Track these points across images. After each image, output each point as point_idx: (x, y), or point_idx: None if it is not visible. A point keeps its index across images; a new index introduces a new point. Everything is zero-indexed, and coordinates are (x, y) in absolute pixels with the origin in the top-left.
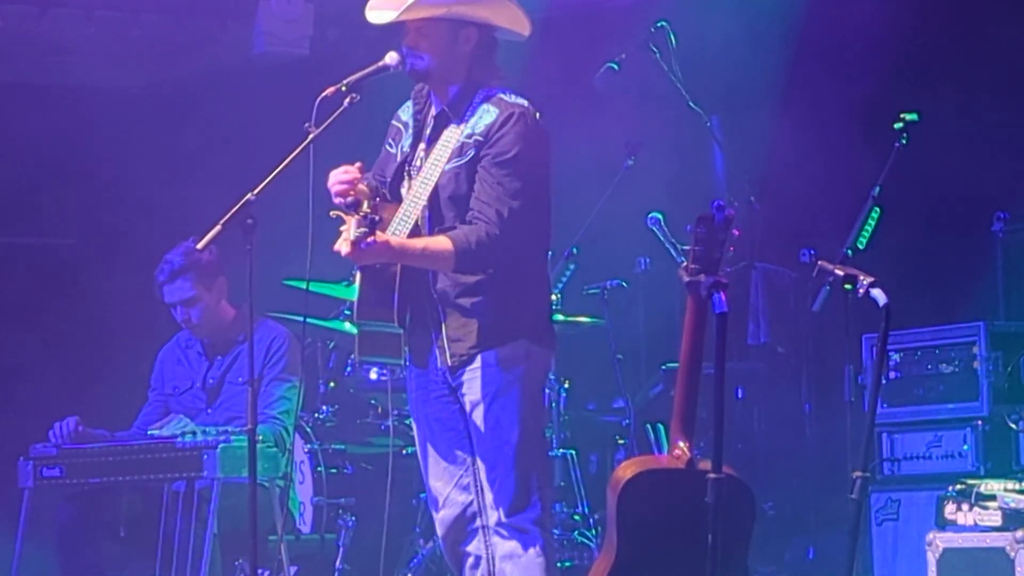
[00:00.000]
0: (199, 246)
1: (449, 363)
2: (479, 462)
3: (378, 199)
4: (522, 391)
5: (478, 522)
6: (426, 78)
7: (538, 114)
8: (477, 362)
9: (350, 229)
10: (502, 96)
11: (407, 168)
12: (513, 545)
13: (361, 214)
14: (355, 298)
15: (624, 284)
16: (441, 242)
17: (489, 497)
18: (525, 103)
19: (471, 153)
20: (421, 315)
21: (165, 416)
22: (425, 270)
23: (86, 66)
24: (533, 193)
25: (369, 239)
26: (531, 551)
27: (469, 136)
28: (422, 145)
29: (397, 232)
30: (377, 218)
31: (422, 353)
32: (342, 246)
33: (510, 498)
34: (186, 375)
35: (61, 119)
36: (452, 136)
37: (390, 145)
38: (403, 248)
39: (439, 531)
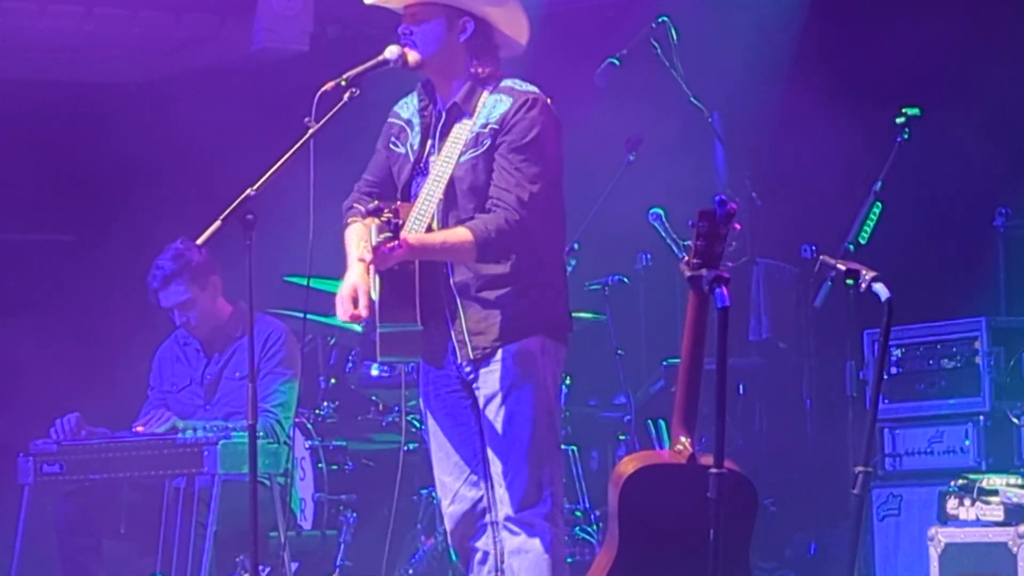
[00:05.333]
0: (199, 242)
1: (471, 356)
2: (491, 457)
3: (396, 205)
4: (537, 386)
5: (487, 518)
6: (423, 68)
7: (550, 100)
8: (497, 356)
9: (371, 235)
10: (513, 85)
11: (418, 167)
12: (521, 540)
13: (383, 219)
14: (374, 301)
15: (625, 280)
16: (460, 234)
17: (500, 491)
18: (537, 90)
19: (487, 142)
20: (437, 310)
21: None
22: (443, 263)
23: (85, 62)
24: (550, 178)
25: (392, 244)
26: (540, 547)
27: (484, 126)
28: (431, 142)
29: (413, 231)
30: (400, 223)
31: (437, 349)
32: (364, 254)
33: (521, 492)
34: (184, 372)
35: (60, 115)
36: (463, 130)
37: (394, 144)
38: (423, 245)
39: (447, 526)
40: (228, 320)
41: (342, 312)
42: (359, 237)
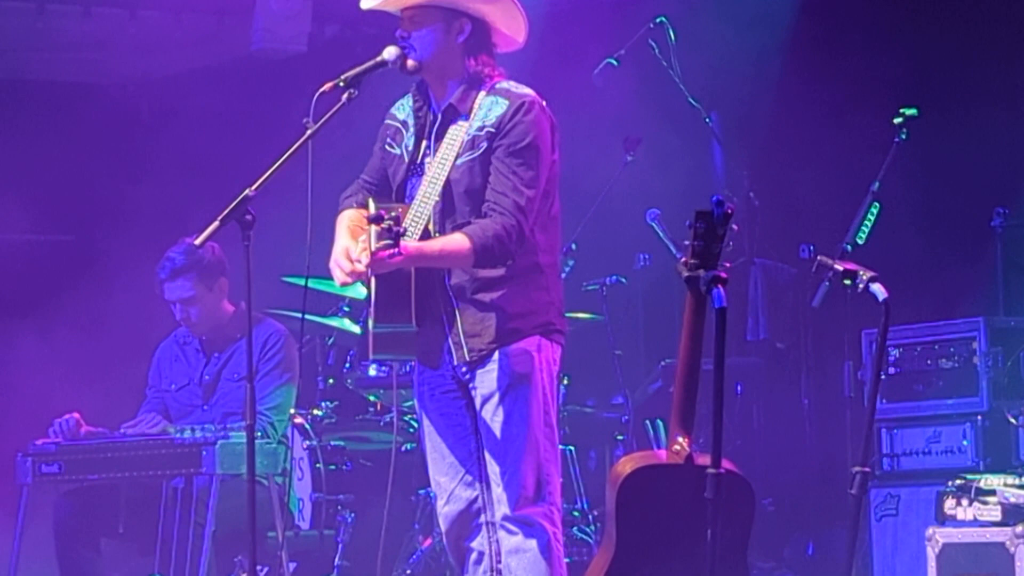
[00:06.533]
0: (197, 242)
1: (467, 358)
2: (486, 457)
3: (399, 209)
4: (533, 385)
5: (482, 518)
6: (420, 71)
7: (545, 102)
8: (494, 357)
9: (370, 240)
10: (509, 87)
11: (413, 168)
12: (519, 540)
13: (384, 226)
14: (370, 302)
15: (623, 280)
16: (458, 241)
17: (497, 491)
18: (532, 92)
19: (484, 145)
20: (433, 311)
21: (164, 414)
22: None
23: (84, 62)
24: (547, 181)
25: (391, 252)
26: (537, 546)
27: (480, 129)
28: (425, 143)
29: (409, 234)
30: (401, 231)
31: (433, 350)
32: (362, 256)
33: (519, 492)
34: (183, 372)
35: (59, 115)
36: (459, 132)
37: (390, 145)
38: (421, 253)
39: (443, 526)
40: (229, 320)
41: (339, 274)
42: (350, 221)
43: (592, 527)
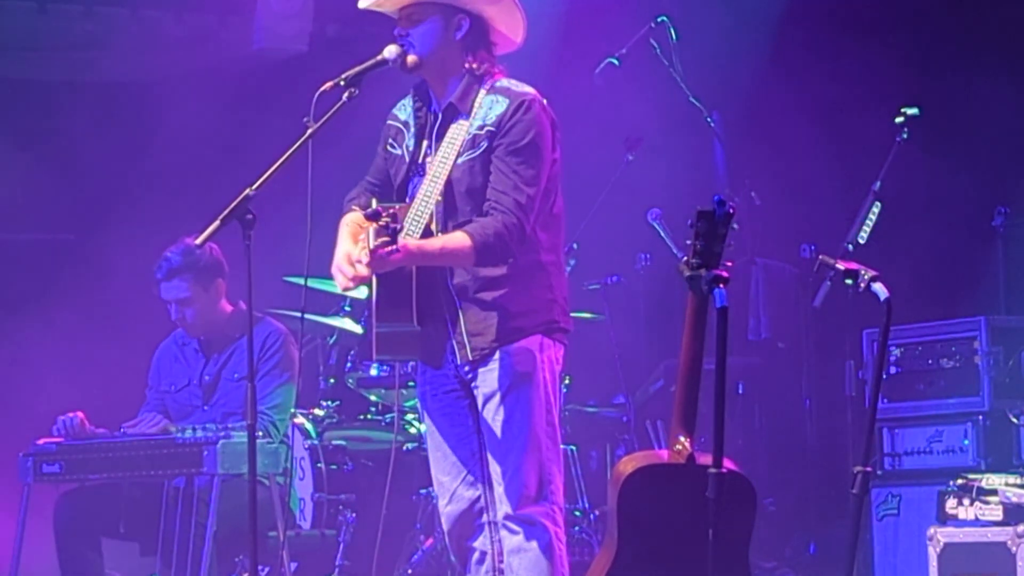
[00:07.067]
0: (198, 241)
1: (470, 357)
2: (489, 456)
3: (397, 207)
4: (535, 385)
5: (484, 518)
6: (420, 69)
7: (545, 101)
8: (496, 356)
9: (369, 238)
10: (509, 85)
11: (414, 168)
12: (521, 539)
13: (381, 223)
14: (372, 301)
15: (624, 280)
16: (459, 239)
17: (499, 490)
18: (533, 90)
19: (484, 144)
20: (436, 310)
21: (164, 414)
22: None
23: (85, 62)
24: (548, 179)
25: (390, 248)
26: (539, 545)
27: (481, 127)
28: (426, 143)
29: (410, 233)
30: (399, 227)
31: (436, 350)
32: (362, 255)
33: (521, 491)
34: (183, 372)
35: (60, 114)
36: (460, 131)
37: (392, 146)
38: (421, 251)
39: (445, 526)
40: (228, 320)
41: (341, 279)
42: (352, 224)
43: (593, 527)
